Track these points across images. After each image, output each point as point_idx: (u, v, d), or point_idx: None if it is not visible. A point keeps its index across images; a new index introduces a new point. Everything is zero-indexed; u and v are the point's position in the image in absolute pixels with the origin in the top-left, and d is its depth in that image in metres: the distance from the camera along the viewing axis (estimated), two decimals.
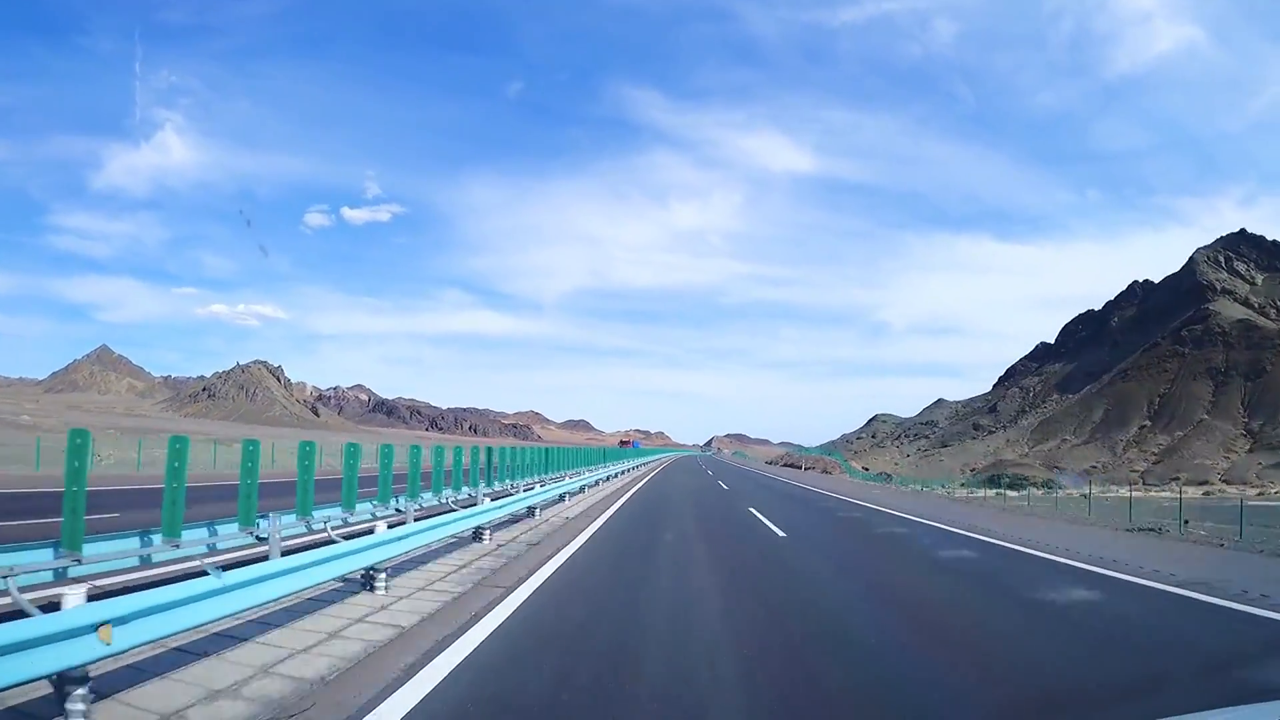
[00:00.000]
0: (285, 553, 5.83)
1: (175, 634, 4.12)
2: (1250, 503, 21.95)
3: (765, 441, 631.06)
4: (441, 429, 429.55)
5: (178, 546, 5.24)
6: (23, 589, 4.09)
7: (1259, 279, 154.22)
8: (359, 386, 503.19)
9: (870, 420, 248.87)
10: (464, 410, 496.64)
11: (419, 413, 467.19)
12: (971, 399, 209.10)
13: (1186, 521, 15.46)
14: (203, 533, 6.09)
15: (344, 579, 6.36)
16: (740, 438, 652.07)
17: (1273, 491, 77.24)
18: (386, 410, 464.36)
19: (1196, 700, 4.27)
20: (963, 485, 62.70)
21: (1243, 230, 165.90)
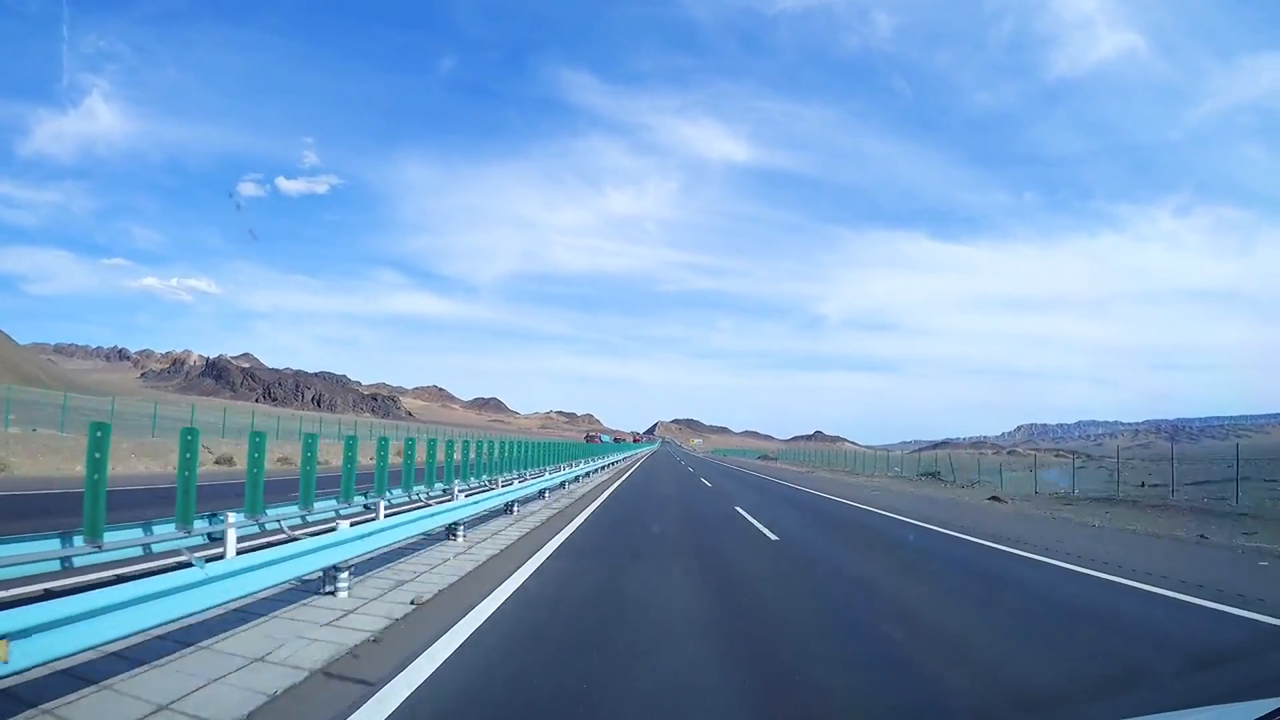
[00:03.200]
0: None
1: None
2: None
3: (724, 430, 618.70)
4: (276, 400, 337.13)
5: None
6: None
7: None
8: (246, 355, 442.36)
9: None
10: (313, 375, 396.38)
11: (255, 377, 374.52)
12: None
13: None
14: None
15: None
16: (692, 424, 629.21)
17: None
18: (216, 374, 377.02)
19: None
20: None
21: None
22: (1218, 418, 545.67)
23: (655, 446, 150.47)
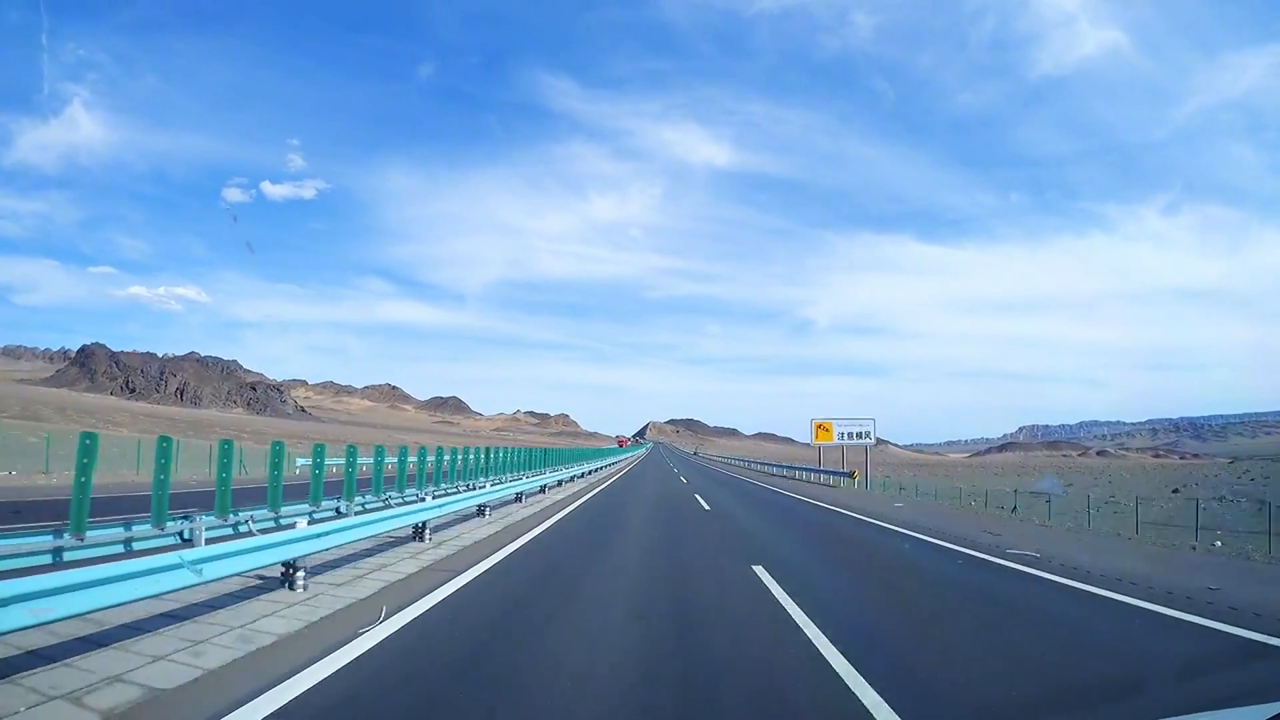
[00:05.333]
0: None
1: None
2: None
3: (733, 432, 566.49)
4: (134, 390, 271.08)
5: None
6: None
7: None
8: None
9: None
10: (184, 360, 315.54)
11: (119, 365, 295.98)
12: None
13: None
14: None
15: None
16: (692, 426, 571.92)
17: None
18: (81, 363, 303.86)
19: None
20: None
21: None
22: (1221, 416, 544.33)
23: (646, 450, 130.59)
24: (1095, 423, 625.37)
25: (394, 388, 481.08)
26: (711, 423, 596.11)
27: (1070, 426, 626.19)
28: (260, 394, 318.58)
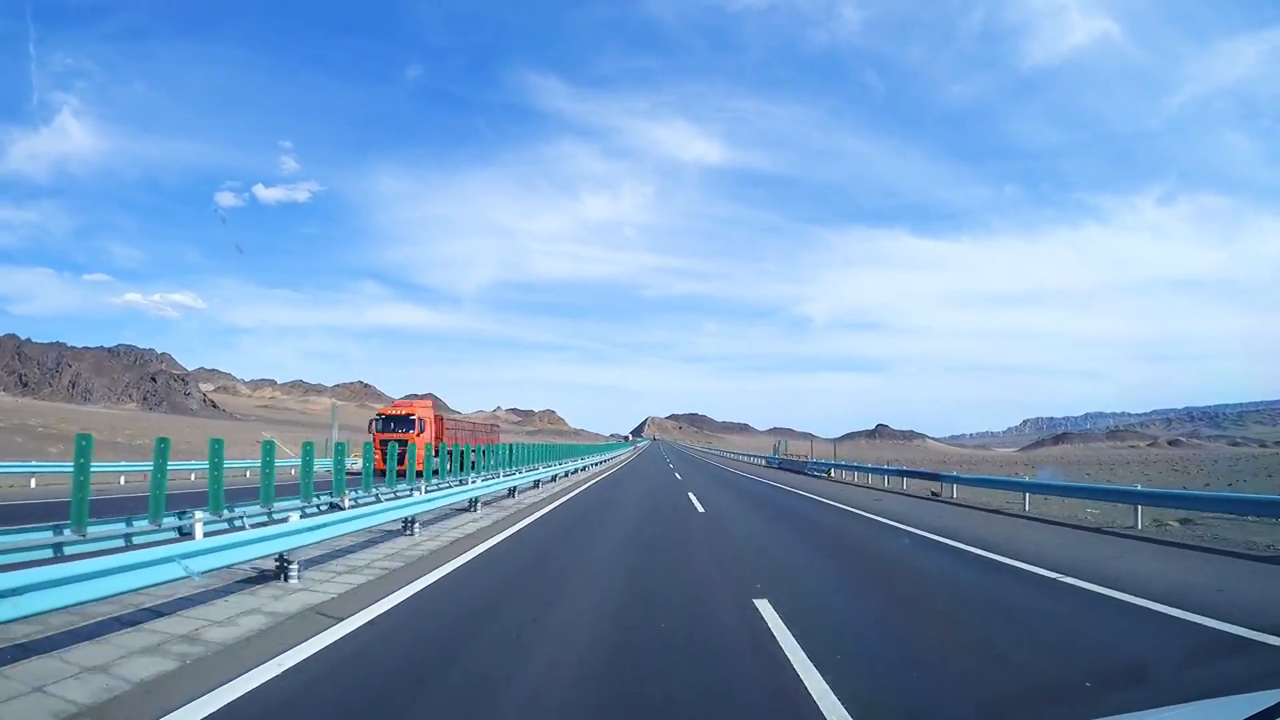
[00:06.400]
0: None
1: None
2: None
3: (745, 428, 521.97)
4: (26, 385, 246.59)
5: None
6: None
7: None
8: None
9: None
10: (83, 351, 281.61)
11: (20, 356, 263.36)
12: None
13: None
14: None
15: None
16: (696, 421, 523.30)
17: None
18: None
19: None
20: None
21: None
22: (1228, 405, 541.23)
23: (644, 446, 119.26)
24: (1101, 414, 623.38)
25: (366, 385, 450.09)
26: (719, 417, 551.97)
27: (1076, 419, 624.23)
28: (161, 386, 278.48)
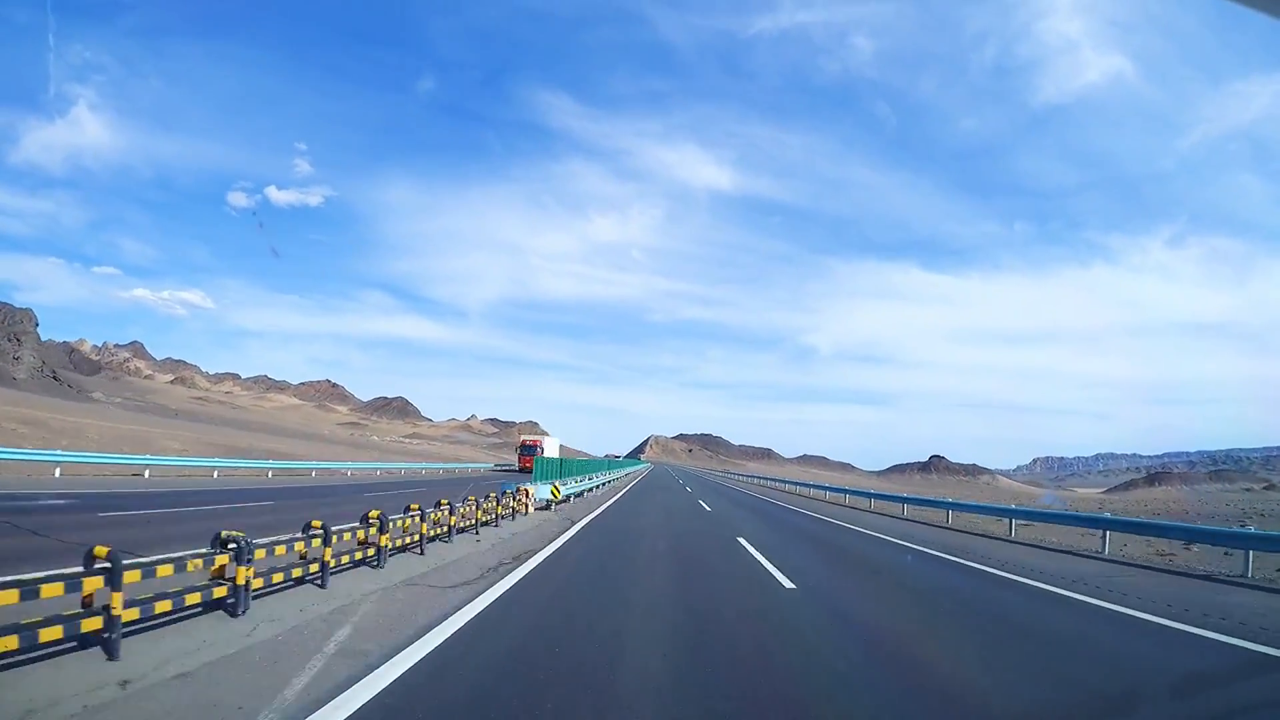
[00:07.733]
0: None
1: None
2: None
3: (768, 453, 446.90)
4: None
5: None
6: None
7: None
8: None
9: None
10: None
11: None
12: None
13: None
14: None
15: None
16: (709, 443, 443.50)
17: None
18: None
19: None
20: None
21: None
22: (1241, 450, 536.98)
23: (643, 470, 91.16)
24: (1111, 455, 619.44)
25: (333, 385, 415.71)
26: (737, 440, 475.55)
27: (1086, 459, 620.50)
28: (58, 376, 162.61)
